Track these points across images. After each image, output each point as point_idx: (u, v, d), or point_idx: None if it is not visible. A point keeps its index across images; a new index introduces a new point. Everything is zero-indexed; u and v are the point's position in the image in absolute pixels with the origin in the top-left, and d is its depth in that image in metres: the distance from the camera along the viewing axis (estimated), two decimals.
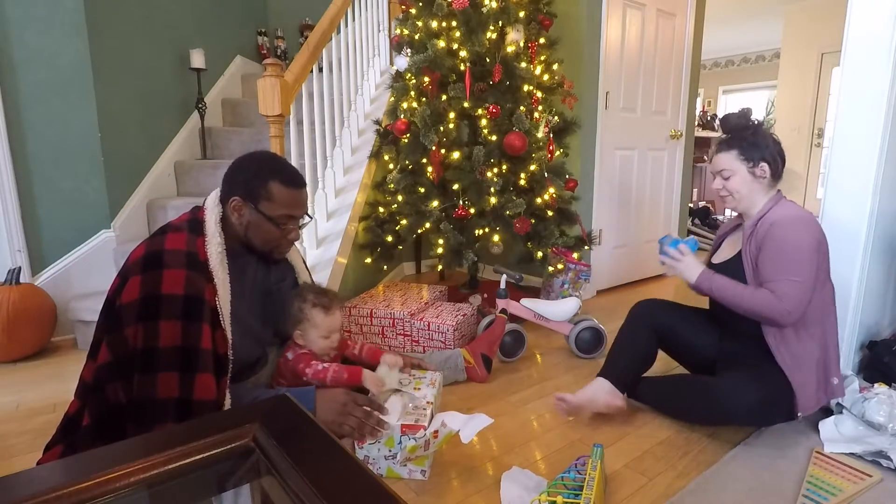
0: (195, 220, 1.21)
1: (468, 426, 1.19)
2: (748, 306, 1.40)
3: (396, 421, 1.20)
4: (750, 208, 1.51)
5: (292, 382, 1.36)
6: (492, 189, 2.13)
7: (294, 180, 1.25)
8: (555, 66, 2.37)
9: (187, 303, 1.09)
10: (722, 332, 1.63)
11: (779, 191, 1.54)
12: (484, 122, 2.19)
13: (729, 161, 1.50)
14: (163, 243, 1.13)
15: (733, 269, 1.49)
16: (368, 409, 1.19)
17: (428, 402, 1.32)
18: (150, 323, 1.05)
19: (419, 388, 1.39)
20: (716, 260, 1.62)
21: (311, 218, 1.38)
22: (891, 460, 1.27)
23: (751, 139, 1.49)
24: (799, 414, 1.40)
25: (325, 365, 1.33)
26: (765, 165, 1.48)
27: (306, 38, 3.22)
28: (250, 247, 1.27)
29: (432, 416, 1.27)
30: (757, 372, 1.40)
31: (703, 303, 1.71)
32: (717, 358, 1.58)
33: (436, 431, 1.19)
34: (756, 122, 1.54)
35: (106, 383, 1.07)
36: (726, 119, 1.57)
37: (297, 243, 1.96)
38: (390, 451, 1.23)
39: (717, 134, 5.36)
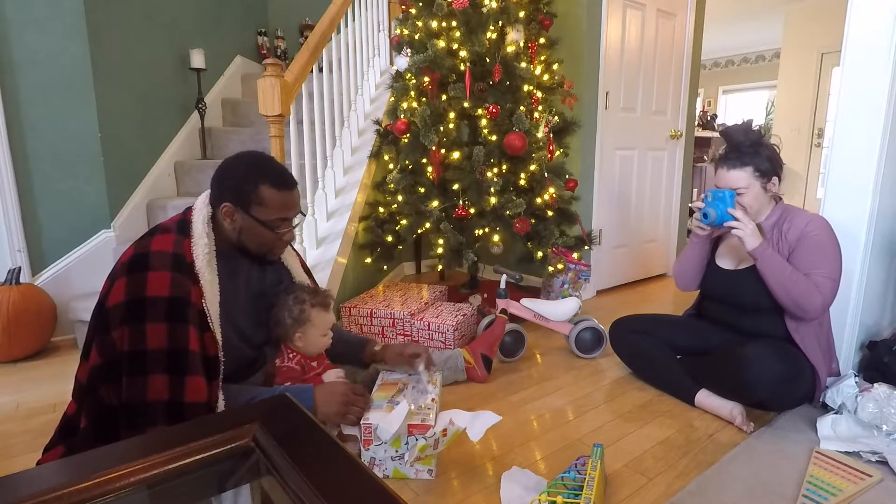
0: (184, 222, 1.19)
1: (476, 424, 1.20)
2: (791, 287, 1.43)
3: (402, 422, 1.20)
4: (757, 218, 1.54)
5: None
6: (492, 189, 2.13)
7: (285, 182, 1.21)
8: (555, 66, 2.36)
9: (172, 305, 1.08)
10: (715, 330, 1.68)
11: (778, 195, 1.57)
12: (484, 122, 2.19)
13: (746, 178, 1.50)
14: (149, 245, 1.13)
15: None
16: (366, 397, 1.26)
17: (433, 400, 1.32)
18: (135, 325, 1.05)
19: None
20: (730, 266, 1.63)
21: (305, 215, 1.36)
22: (886, 462, 1.27)
23: (764, 153, 1.50)
24: (824, 389, 1.50)
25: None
26: (776, 179, 1.51)
27: (306, 38, 3.22)
28: (244, 250, 1.26)
29: (437, 414, 1.28)
30: (780, 346, 1.46)
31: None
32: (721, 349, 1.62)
33: (444, 430, 1.19)
34: (762, 134, 1.53)
35: (99, 385, 1.07)
36: (732, 133, 1.54)
37: (296, 244, 1.96)
38: (397, 451, 1.23)
39: (717, 134, 5.35)
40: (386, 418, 1.20)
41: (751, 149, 1.50)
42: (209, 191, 1.25)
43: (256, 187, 1.18)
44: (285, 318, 1.36)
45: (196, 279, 1.13)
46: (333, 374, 1.39)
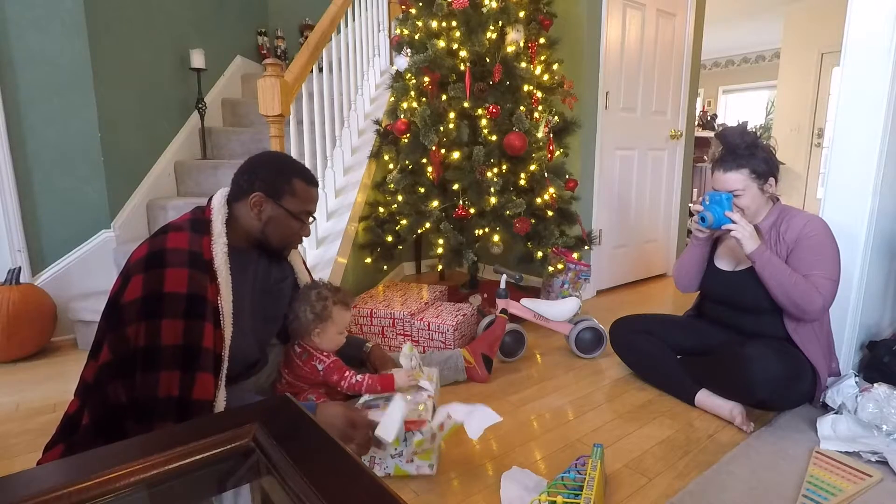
0: (198, 220, 1.21)
1: (475, 420, 1.20)
2: (791, 289, 1.43)
3: (400, 419, 1.20)
4: (754, 220, 1.54)
5: (301, 387, 1.37)
6: (492, 189, 2.13)
7: (312, 178, 1.32)
8: (555, 66, 2.36)
9: (190, 301, 1.09)
10: (715, 331, 1.69)
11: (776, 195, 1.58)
12: (484, 122, 2.19)
13: (742, 181, 1.50)
14: (165, 242, 1.14)
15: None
16: (366, 428, 1.17)
17: (429, 396, 1.32)
18: (152, 321, 1.06)
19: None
20: (728, 267, 1.63)
21: (316, 219, 1.40)
22: (886, 462, 1.27)
23: (760, 155, 1.50)
24: (824, 389, 1.50)
25: (360, 378, 1.33)
26: (772, 180, 1.51)
27: (306, 38, 3.22)
28: (265, 242, 1.28)
29: (434, 409, 1.28)
30: (780, 346, 1.46)
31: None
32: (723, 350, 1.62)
33: (441, 424, 1.20)
34: (758, 136, 1.54)
35: (107, 382, 1.07)
36: (728, 135, 1.54)
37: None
38: (396, 448, 1.24)
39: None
40: (383, 419, 1.19)
41: (747, 151, 1.50)
42: (225, 190, 1.28)
43: (290, 180, 1.26)
44: (306, 313, 1.35)
45: (213, 276, 1.15)
46: (404, 375, 1.33)
